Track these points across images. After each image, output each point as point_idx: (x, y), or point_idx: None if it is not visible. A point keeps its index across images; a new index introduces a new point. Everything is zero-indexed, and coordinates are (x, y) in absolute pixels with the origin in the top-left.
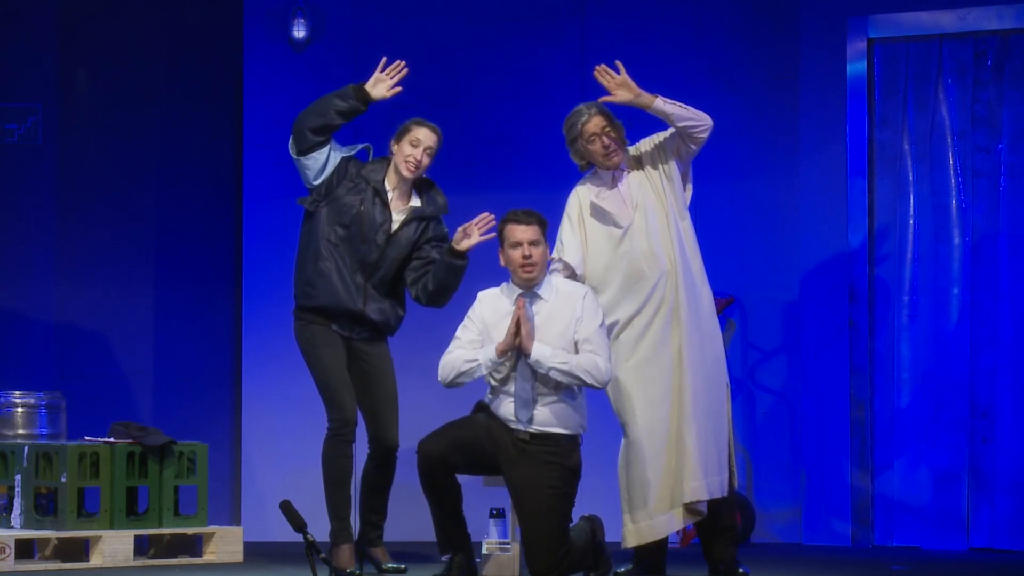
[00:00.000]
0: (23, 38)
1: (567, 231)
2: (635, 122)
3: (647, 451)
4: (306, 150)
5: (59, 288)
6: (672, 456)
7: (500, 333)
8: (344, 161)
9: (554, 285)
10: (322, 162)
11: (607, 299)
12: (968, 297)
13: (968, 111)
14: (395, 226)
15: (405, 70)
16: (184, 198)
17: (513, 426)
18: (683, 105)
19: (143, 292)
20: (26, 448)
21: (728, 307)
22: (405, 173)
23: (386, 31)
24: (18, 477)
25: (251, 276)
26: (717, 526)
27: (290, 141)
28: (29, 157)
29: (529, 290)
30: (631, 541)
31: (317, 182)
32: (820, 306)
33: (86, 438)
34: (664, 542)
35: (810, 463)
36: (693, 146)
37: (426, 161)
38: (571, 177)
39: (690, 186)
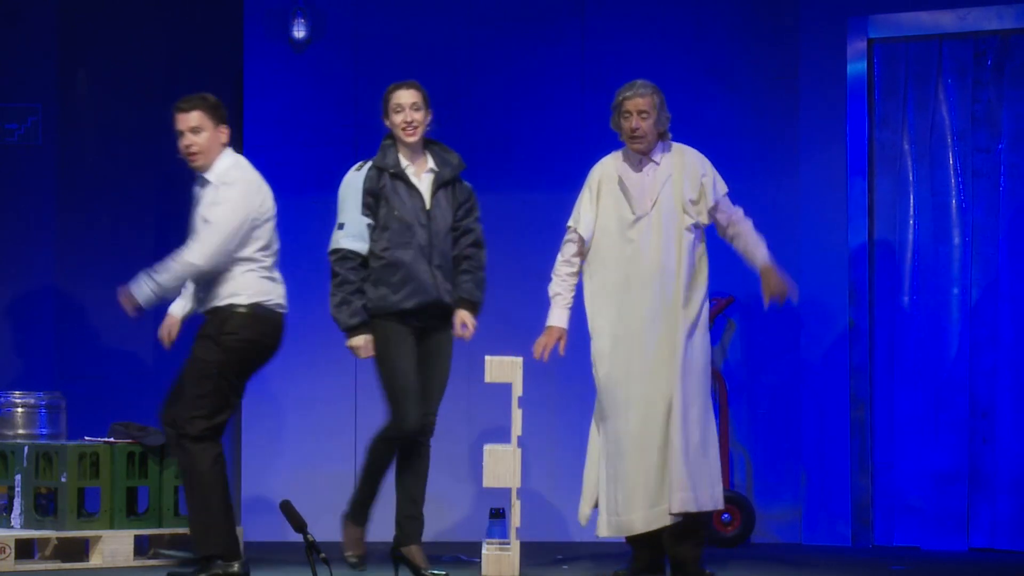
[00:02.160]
0: (23, 38)
1: (585, 202)
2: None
3: (629, 446)
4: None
5: (59, 288)
6: (657, 455)
7: None
8: (367, 191)
9: (220, 173)
10: (364, 212)
11: (610, 285)
12: (968, 297)
13: (968, 111)
14: (428, 203)
15: None
16: (184, 198)
17: None
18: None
19: None
20: (26, 448)
21: (728, 307)
22: (408, 139)
23: (386, 31)
24: (18, 477)
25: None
26: (688, 528)
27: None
28: (29, 157)
29: (202, 173)
30: (603, 532)
31: (373, 220)
32: (820, 306)
33: (86, 438)
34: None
35: (810, 463)
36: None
37: (419, 116)
38: (570, 177)
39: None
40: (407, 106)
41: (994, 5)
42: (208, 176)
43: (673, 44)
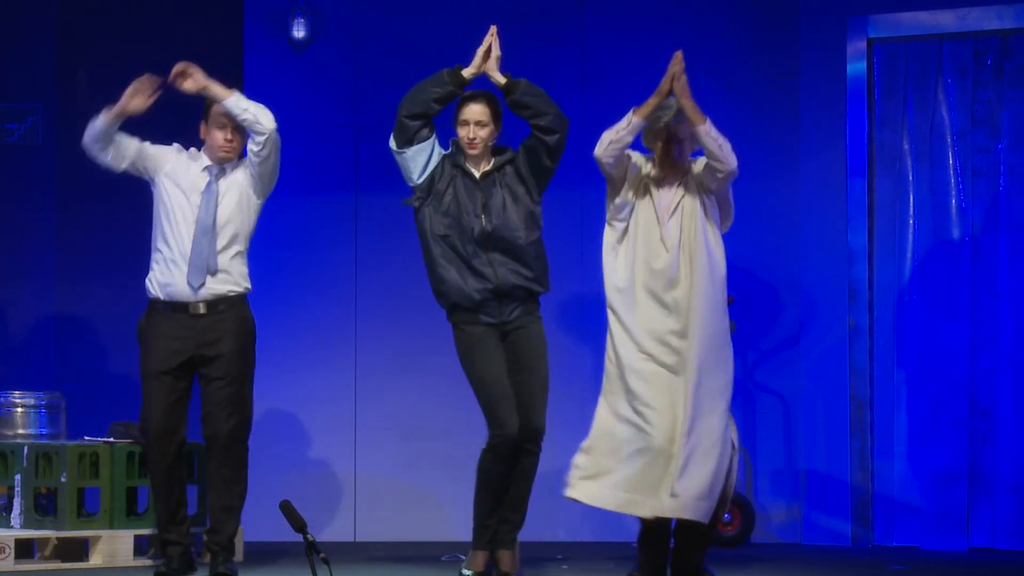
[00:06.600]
0: (23, 38)
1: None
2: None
3: (647, 429)
4: (405, 141)
5: (59, 288)
6: (671, 448)
7: None
8: (443, 158)
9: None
10: (424, 160)
11: (637, 258)
12: (968, 297)
13: (968, 111)
14: (484, 195)
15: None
16: None
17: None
18: (720, 143)
19: (143, 292)
20: (26, 448)
21: (728, 307)
22: (471, 152)
23: (386, 31)
24: (18, 477)
25: (249, 276)
26: (695, 531)
27: (391, 136)
28: (29, 157)
29: (218, 164)
30: (594, 500)
31: (420, 180)
32: (820, 306)
33: (86, 438)
34: (668, 544)
35: (810, 463)
36: (712, 185)
37: (483, 133)
38: (569, 177)
39: (729, 220)
40: (472, 122)
41: (994, 5)
42: (227, 167)
43: (673, 44)
